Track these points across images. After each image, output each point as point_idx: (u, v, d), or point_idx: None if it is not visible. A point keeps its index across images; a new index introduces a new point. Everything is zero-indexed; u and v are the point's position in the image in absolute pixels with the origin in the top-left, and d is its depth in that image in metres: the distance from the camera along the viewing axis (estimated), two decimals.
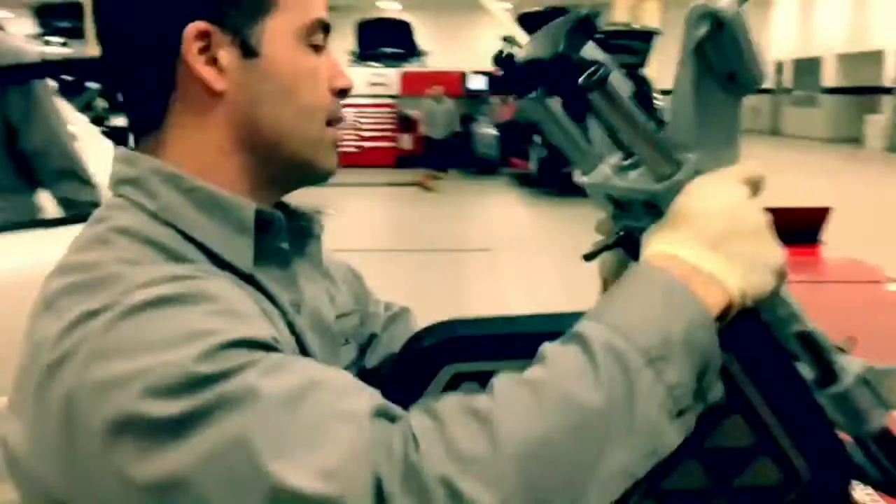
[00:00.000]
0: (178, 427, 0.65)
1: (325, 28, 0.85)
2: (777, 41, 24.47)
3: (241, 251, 0.81)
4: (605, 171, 0.89)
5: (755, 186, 0.77)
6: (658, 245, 0.76)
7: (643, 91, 11.57)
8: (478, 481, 0.63)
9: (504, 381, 0.68)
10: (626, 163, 0.87)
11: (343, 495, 0.63)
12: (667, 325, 0.69)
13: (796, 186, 8.42)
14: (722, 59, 0.75)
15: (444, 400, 0.69)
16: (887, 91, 19.07)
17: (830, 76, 21.87)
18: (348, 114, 13.42)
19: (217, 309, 0.71)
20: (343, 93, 0.87)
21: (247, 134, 0.82)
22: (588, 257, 0.92)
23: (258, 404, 0.65)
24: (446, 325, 0.85)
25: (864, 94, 20.45)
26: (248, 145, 0.83)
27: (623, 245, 0.88)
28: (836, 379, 0.84)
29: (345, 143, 13.41)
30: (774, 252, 0.76)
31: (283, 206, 0.90)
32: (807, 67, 22.97)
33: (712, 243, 0.74)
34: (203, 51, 0.79)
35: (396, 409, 0.69)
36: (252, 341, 0.69)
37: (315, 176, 0.88)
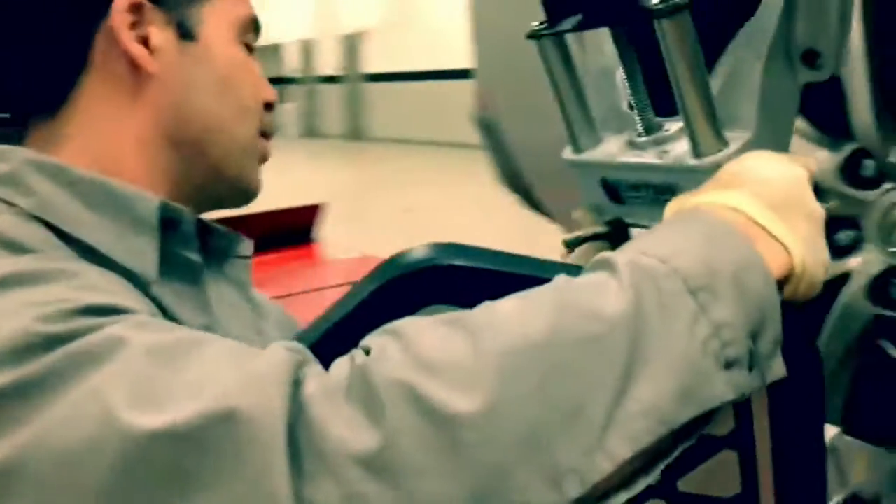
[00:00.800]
0: (8, 401, 0.51)
1: (257, 29, 0.80)
2: None
3: (139, 253, 0.68)
4: (611, 148, 0.74)
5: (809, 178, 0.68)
6: (702, 198, 0.63)
7: None
8: (449, 388, 0.48)
9: (495, 300, 0.54)
10: (644, 139, 0.73)
11: (242, 409, 0.47)
12: (713, 260, 0.56)
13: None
14: (808, 31, 0.63)
15: (410, 319, 0.54)
16: (291, 81, 20.56)
17: None
18: None
19: (77, 284, 0.59)
20: (269, 106, 0.81)
21: (173, 125, 0.74)
22: (569, 244, 0.74)
23: (122, 354, 0.51)
24: (432, 249, 0.57)
25: (274, 85, 21.79)
26: (173, 139, 0.74)
27: (612, 239, 0.74)
28: None
29: None
30: (825, 247, 0.65)
31: (201, 224, 0.76)
32: None
33: (775, 208, 0.62)
34: (133, 27, 0.72)
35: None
36: (118, 308, 0.56)
37: (238, 191, 0.79)
